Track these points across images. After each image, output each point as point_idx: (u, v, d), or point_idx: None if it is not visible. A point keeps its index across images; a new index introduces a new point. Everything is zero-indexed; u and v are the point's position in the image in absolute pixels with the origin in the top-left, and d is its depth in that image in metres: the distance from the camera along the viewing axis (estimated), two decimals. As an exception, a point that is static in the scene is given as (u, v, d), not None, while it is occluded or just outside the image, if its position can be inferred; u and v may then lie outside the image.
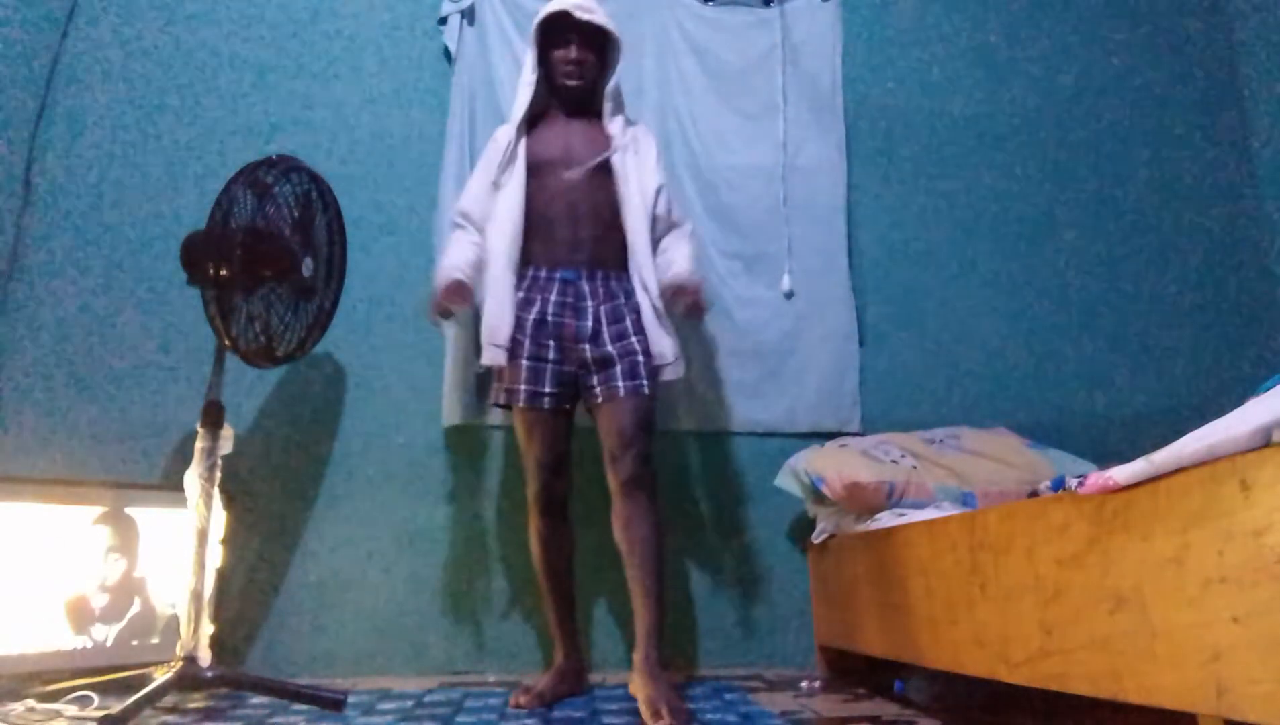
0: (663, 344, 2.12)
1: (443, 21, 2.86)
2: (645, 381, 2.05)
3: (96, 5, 2.75)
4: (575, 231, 2.15)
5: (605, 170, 2.19)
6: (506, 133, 2.25)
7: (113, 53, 2.73)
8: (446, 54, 2.86)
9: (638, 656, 1.93)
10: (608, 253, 2.17)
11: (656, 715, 1.72)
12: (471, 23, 2.85)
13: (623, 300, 2.14)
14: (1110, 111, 3.14)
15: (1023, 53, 3.14)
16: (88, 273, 2.58)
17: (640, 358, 2.07)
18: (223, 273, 1.81)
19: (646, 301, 2.13)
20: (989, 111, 3.08)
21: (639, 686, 1.86)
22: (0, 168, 2.54)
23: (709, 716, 1.84)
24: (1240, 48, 3.22)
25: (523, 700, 1.97)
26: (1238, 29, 3.23)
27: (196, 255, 1.85)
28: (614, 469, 2.02)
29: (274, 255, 1.93)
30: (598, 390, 2.06)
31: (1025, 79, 3.12)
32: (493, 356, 2.10)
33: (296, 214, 2.02)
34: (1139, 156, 3.12)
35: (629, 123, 2.31)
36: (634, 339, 2.09)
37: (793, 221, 2.84)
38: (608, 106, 2.28)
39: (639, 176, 2.21)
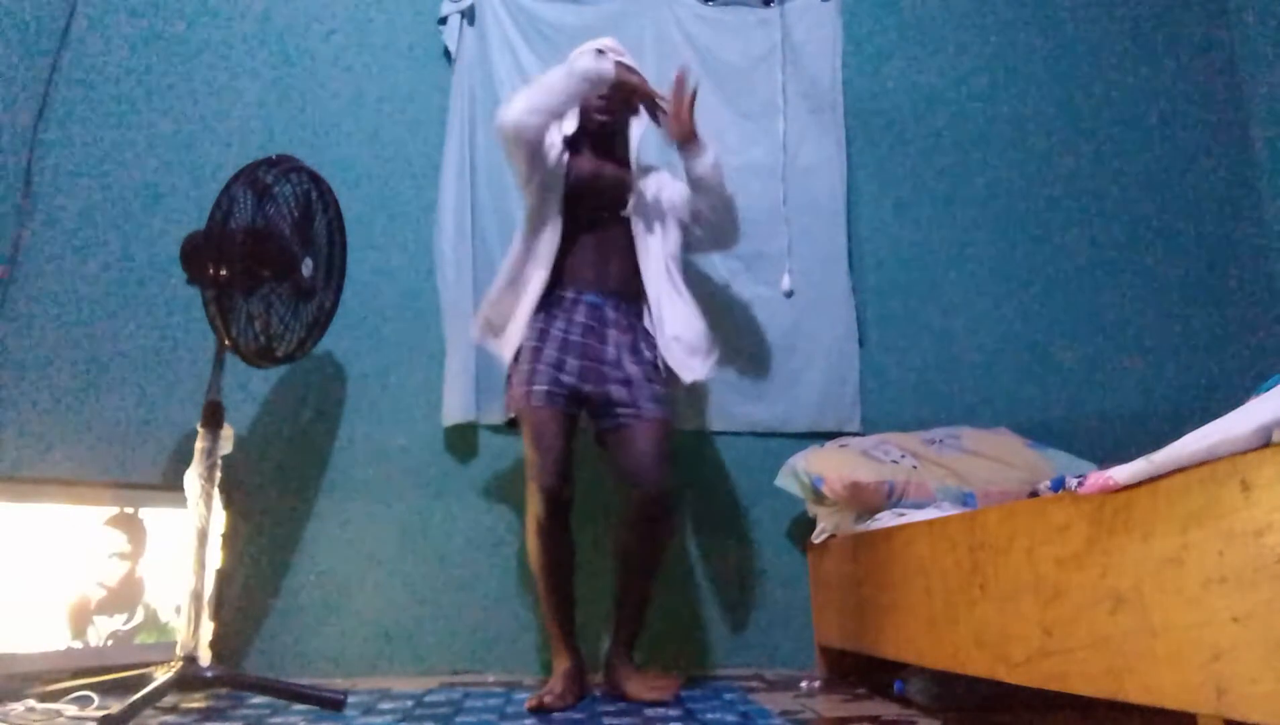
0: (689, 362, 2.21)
1: (443, 21, 2.86)
2: (666, 407, 2.13)
3: (96, 5, 2.75)
4: (604, 261, 2.20)
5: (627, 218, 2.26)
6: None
7: (113, 53, 2.73)
8: (446, 54, 2.86)
9: (618, 657, 2.13)
10: (633, 287, 2.23)
11: (653, 689, 2.01)
12: (471, 23, 2.85)
13: (642, 337, 2.21)
14: (1110, 111, 3.14)
15: (1023, 52, 3.15)
16: (88, 273, 2.58)
17: (660, 387, 2.14)
18: (223, 273, 1.81)
19: (658, 352, 2.22)
20: (989, 111, 3.08)
21: (625, 676, 2.09)
22: (0, 168, 2.54)
23: (709, 716, 1.84)
24: (1240, 47, 3.22)
25: (547, 700, 1.93)
26: (1238, 28, 3.23)
27: (196, 255, 1.86)
28: (638, 490, 2.05)
29: (274, 255, 1.93)
30: (621, 414, 2.09)
31: (1025, 79, 3.13)
32: (485, 339, 2.24)
33: (296, 214, 2.02)
34: (1139, 156, 3.12)
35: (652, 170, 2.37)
36: (653, 368, 2.17)
37: (793, 221, 2.84)
38: (633, 159, 2.32)
39: (661, 220, 2.28)
